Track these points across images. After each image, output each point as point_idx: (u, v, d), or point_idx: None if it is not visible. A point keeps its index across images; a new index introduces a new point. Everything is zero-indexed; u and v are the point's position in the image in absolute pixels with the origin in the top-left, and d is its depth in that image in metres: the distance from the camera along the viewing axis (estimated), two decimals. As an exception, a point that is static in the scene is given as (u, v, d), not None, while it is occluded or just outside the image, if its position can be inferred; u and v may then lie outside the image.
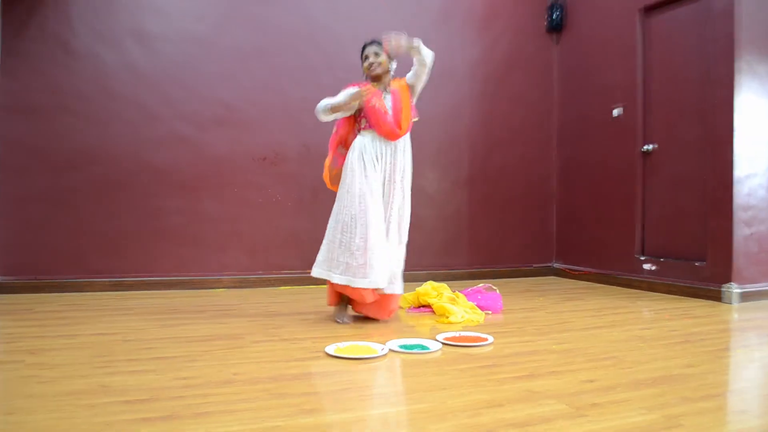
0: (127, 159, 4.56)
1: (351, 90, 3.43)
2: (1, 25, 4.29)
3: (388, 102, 3.49)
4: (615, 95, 5.19)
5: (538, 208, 5.85)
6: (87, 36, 4.47)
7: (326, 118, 3.45)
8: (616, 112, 5.16)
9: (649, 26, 4.96)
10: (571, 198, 5.72)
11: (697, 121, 4.54)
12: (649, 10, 4.94)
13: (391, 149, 3.48)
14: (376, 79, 3.54)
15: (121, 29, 4.54)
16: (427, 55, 3.46)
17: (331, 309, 3.63)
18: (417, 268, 5.29)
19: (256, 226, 4.87)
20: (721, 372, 2.56)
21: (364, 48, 3.56)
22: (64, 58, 4.42)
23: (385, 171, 3.47)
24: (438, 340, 2.93)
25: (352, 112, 3.49)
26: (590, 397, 2.09)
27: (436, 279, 4.61)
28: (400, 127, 3.44)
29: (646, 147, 4.93)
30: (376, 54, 3.49)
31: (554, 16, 5.72)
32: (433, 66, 3.55)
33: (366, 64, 3.51)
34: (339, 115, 3.47)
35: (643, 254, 4.97)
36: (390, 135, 3.44)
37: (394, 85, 3.56)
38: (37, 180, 4.37)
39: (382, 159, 3.46)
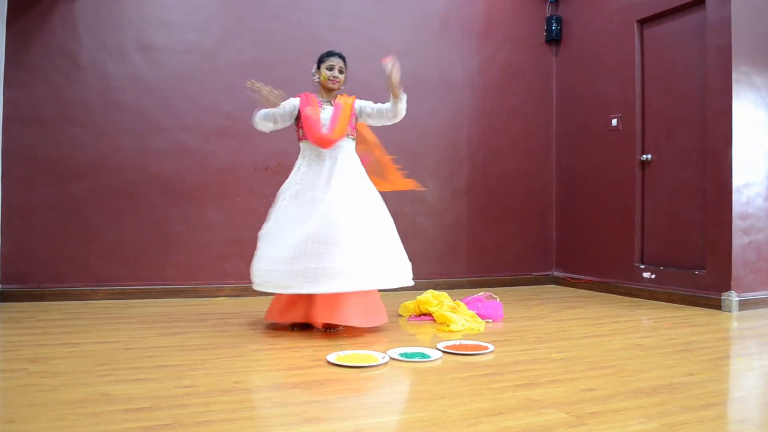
0: (132, 169, 4.58)
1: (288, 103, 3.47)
2: (7, 37, 4.32)
3: (327, 113, 3.47)
4: (613, 105, 5.22)
5: (537, 216, 5.86)
6: (93, 48, 4.50)
7: (263, 126, 3.52)
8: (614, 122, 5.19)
9: (646, 37, 4.99)
10: (571, 207, 5.73)
11: (694, 131, 4.57)
12: (646, 21, 4.97)
13: (330, 155, 3.42)
14: (329, 91, 3.54)
15: (126, 41, 4.57)
16: (403, 110, 3.47)
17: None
18: (417, 277, 5.24)
19: (257, 235, 4.87)
20: (721, 381, 2.56)
21: (330, 55, 3.50)
22: (70, 70, 4.45)
23: (322, 176, 3.40)
24: (438, 349, 2.94)
25: (288, 117, 3.52)
26: (590, 405, 2.10)
27: (436, 288, 4.62)
28: (331, 134, 3.37)
29: (644, 156, 4.96)
30: (341, 70, 3.50)
31: (553, 28, 5.76)
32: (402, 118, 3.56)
33: (329, 73, 3.46)
34: (278, 123, 3.51)
35: (642, 263, 4.98)
36: (320, 143, 3.39)
37: (339, 99, 3.55)
38: (41, 189, 4.39)
39: (318, 165, 3.43)
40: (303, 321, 3.39)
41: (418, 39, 5.39)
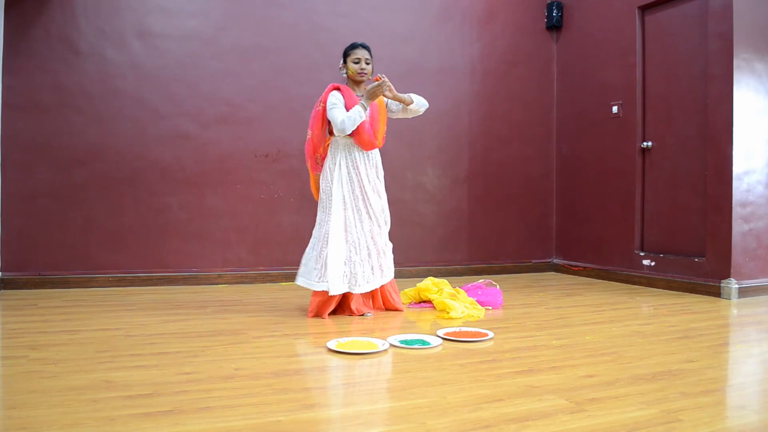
0: (132, 156, 4.57)
1: (339, 100, 3.44)
2: (6, 24, 4.29)
3: (367, 111, 3.51)
4: (614, 92, 5.20)
5: (537, 204, 5.86)
6: (92, 35, 4.48)
7: (354, 126, 3.41)
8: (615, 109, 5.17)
9: (647, 24, 4.96)
10: (571, 194, 5.73)
11: (695, 118, 4.55)
12: (647, 8, 4.94)
13: (364, 154, 3.54)
14: (358, 84, 3.56)
15: (125, 28, 4.55)
16: (419, 106, 3.63)
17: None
18: (417, 264, 5.31)
19: (258, 222, 4.89)
20: (720, 367, 2.57)
21: (353, 48, 3.52)
22: (69, 57, 4.43)
23: (359, 175, 3.51)
24: (438, 336, 2.94)
25: None
26: (590, 392, 2.11)
27: (436, 275, 4.63)
28: (376, 138, 3.51)
29: (645, 144, 4.95)
30: (368, 61, 3.51)
31: (554, 14, 5.73)
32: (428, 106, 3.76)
33: (357, 67, 3.49)
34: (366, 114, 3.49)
35: (642, 250, 4.99)
36: (367, 145, 3.49)
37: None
38: (41, 176, 4.39)
39: (355, 164, 3.51)
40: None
41: (419, 25, 5.36)
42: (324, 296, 3.43)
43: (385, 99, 3.65)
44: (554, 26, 5.78)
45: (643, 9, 4.96)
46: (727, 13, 4.24)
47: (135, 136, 4.58)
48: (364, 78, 3.53)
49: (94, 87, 4.49)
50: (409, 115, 3.71)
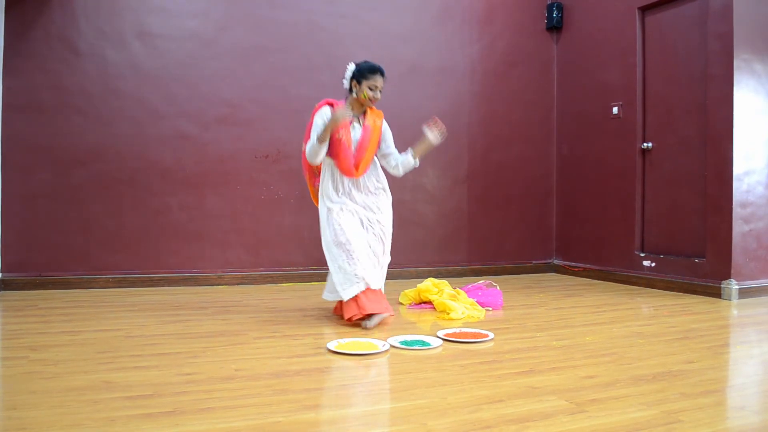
0: (132, 156, 4.57)
1: (322, 120, 3.23)
2: (6, 24, 4.29)
3: (357, 133, 3.36)
4: (614, 93, 5.20)
5: (537, 204, 5.86)
6: (92, 35, 4.47)
7: (317, 157, 3.25)
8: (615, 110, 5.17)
9: (647, 25, 4.96)
10: (571, 195, 5.73)
11: (695, 119, 4.56)
12: (647, 8, 4.94)
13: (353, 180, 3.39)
14: (361, 106, 3.39)
15: (125, 28, 4.54)
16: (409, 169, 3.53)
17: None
18: (417, 265, 5.31)
19: (258, 223, 4.89)
20: (720, 368, 2.57)
21: (374, 72, 3.28)
22: (69, 58, 4.43)
23: (344, 187, 3.37)
24: (439, 337, 2.94)
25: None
26: (590, 392, 2.11)
27: (436, 276, 4.63)
28: (357, 168, 3.32)
29: (645, 144, 4.95)
30: (381, 90, 3.32)
31: (554, 15, 5.73)
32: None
33: (371, 94, 3.28)
34: (324, 146, 3.25)
35: (642, 251, 4.98)
36: (346, 172, 3.33)
37: (370, 119, 3.41)
38: (41, 177, 4.38)
39: (339, 178, 3.36)
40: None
41: (418, 25, 5.36)
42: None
43: (384, 129, 3.49)
44: (554, 27, 5.78)
45: (643, 10, 4.96)
46: (727, 14, 4.24)
47: (135, 136, 4.58)
48: (372, 105, 3.37)
49: (94, 87, 4.49)
50: (389, 168, 3.54)
